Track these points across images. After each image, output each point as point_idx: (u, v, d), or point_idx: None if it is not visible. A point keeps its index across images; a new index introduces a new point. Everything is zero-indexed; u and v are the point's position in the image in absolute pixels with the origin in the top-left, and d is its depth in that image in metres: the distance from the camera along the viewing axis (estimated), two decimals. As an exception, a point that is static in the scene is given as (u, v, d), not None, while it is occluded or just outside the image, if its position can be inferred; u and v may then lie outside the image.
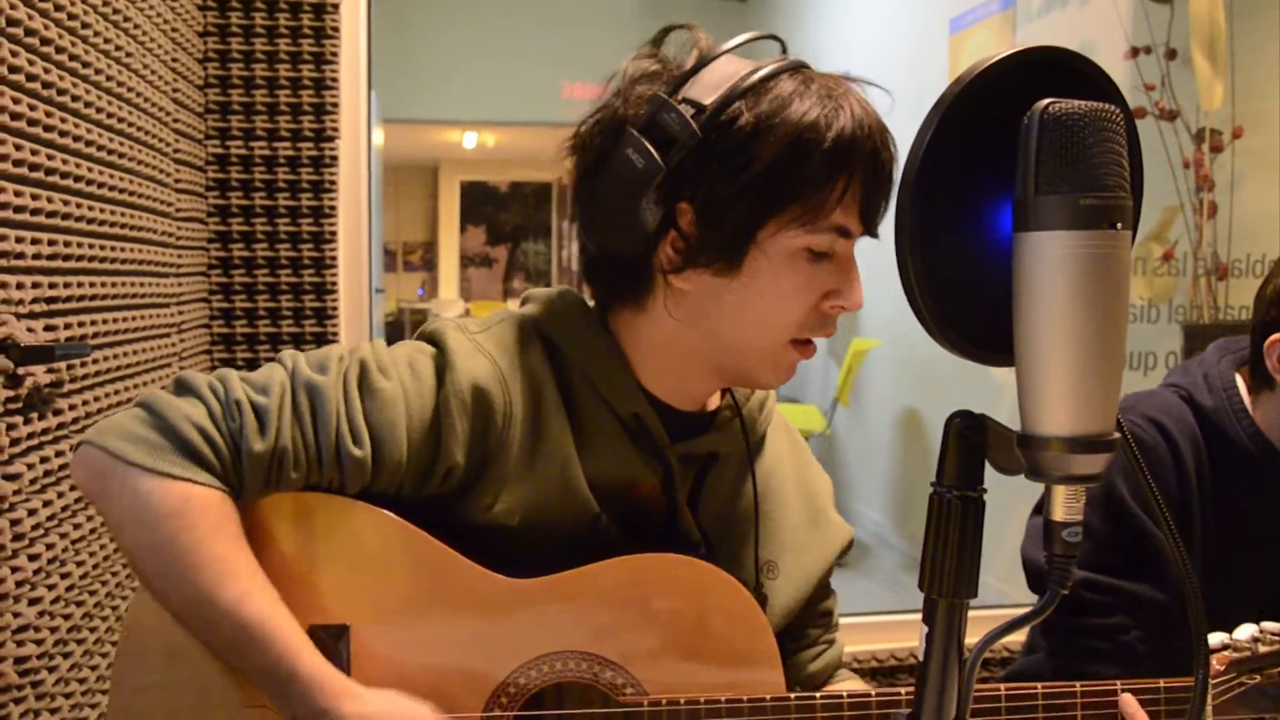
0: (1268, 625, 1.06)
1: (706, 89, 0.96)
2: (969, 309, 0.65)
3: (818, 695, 1.02)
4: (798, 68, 0.99)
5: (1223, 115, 3.19)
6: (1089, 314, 0.59)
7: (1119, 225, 0.59)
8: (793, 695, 1.02)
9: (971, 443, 0.66)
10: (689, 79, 0.97)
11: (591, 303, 1.11)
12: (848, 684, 1.23)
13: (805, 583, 1.17)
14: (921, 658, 0.68)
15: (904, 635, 2.19)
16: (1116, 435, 0.61)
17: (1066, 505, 0.63)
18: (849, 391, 5.32)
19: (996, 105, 0.62)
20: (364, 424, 0.97)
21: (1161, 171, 3.19)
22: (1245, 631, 1.05)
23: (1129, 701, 1.04)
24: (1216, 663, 1.03)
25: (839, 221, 0.97)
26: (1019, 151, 0.61)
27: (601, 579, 1.02)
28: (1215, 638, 1.05)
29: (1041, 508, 1.45)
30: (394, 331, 13.02)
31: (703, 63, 0.97)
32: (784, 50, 1.02)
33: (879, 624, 2.41)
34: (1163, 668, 1.10)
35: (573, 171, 1.04)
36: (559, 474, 1.02)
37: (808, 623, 1.21)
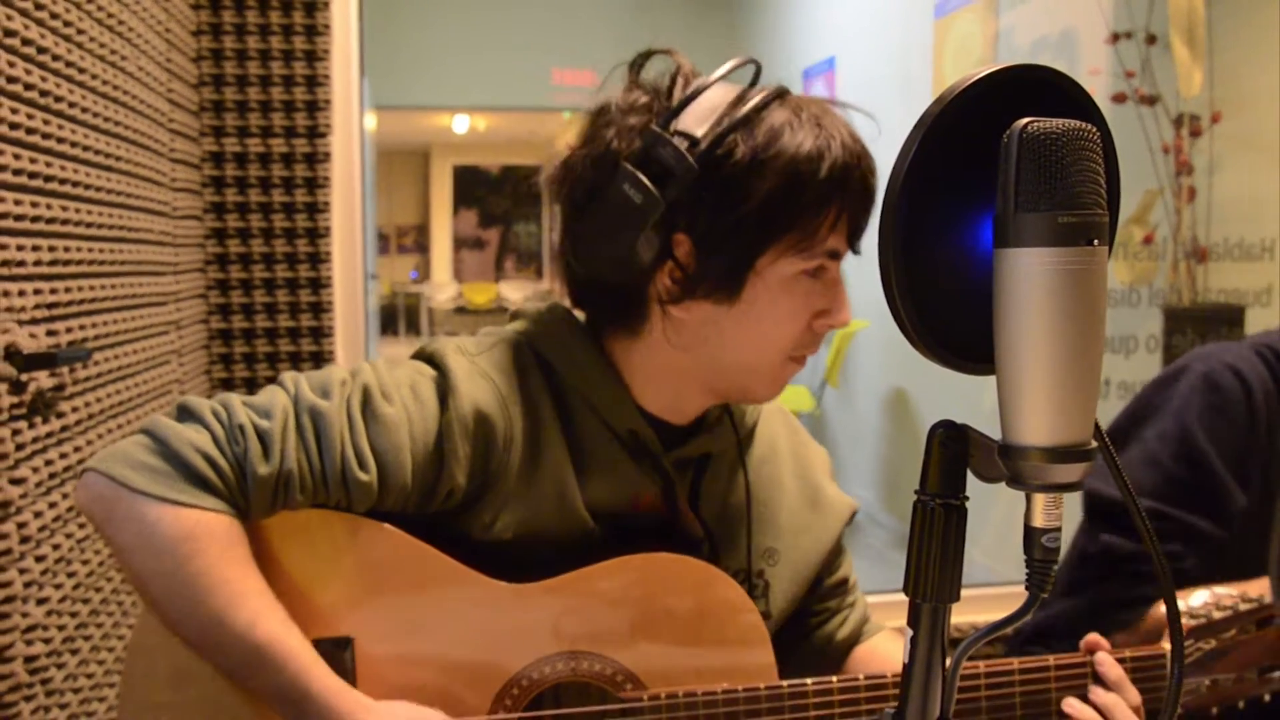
0: (1220, 590, 1.10)
1: (696, 120, 0.97)
2: (950, 320, 0.67)
3: (809, 681, 1.04)
4: (783, 94, 1.01)
5: (1202, 100, 3.21)
6: (1067, 328, 0.60)
7: (1095, 242, 0.60)
8: (785, 684, 1.04)
9: (954, 452, 0.68)
10: (680, 111, 0.97)
11: (582, 317, 1.12)
12: (882, 637, 1.25)
13: (806, 564, 1.18)
14: (905, 660, 0.70)
15: (895, 616, 2.22)
16: (1094, 445, 0.63)
17: (1046, 512, 0.65)
18: (838, 372, 5.34)
19: (979, 121, 0.64)
20: (369, 448, 0.97)
21: (1141, 156, 3.21)
22: (1199, 598, 1.09)
23: (1103, 661, 1.07)
24: None
25: (832, 245, 1.01)
26: (999, 169, 0.62)
27: (596, 579, 1.04)
28: None
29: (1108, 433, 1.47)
30: (388, 315, 13.00)
31: (693, 95, 0.98)
32: (759, 72, 1.03)
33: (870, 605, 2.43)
34: None
35: (560, 202, 1.05)
36: (556, 494, 1.04)
37: (823, 598, 1.23)
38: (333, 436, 0.96)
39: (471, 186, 14.29)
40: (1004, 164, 0.61)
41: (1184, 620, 1.07)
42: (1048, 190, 0.60)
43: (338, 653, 0.99)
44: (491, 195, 14.47)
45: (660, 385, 1.08)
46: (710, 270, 0.99)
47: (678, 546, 1.10)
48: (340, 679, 0.95)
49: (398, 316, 13.15)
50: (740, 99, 0.98)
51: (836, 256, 1.02)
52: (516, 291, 13.22)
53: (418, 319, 13.18)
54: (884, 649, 1.23)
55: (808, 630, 1.23)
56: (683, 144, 0.96)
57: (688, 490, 1.12)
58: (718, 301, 1.01)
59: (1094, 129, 0.61)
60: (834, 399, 5.72)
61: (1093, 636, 1.10)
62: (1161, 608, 1.32)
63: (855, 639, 1.24)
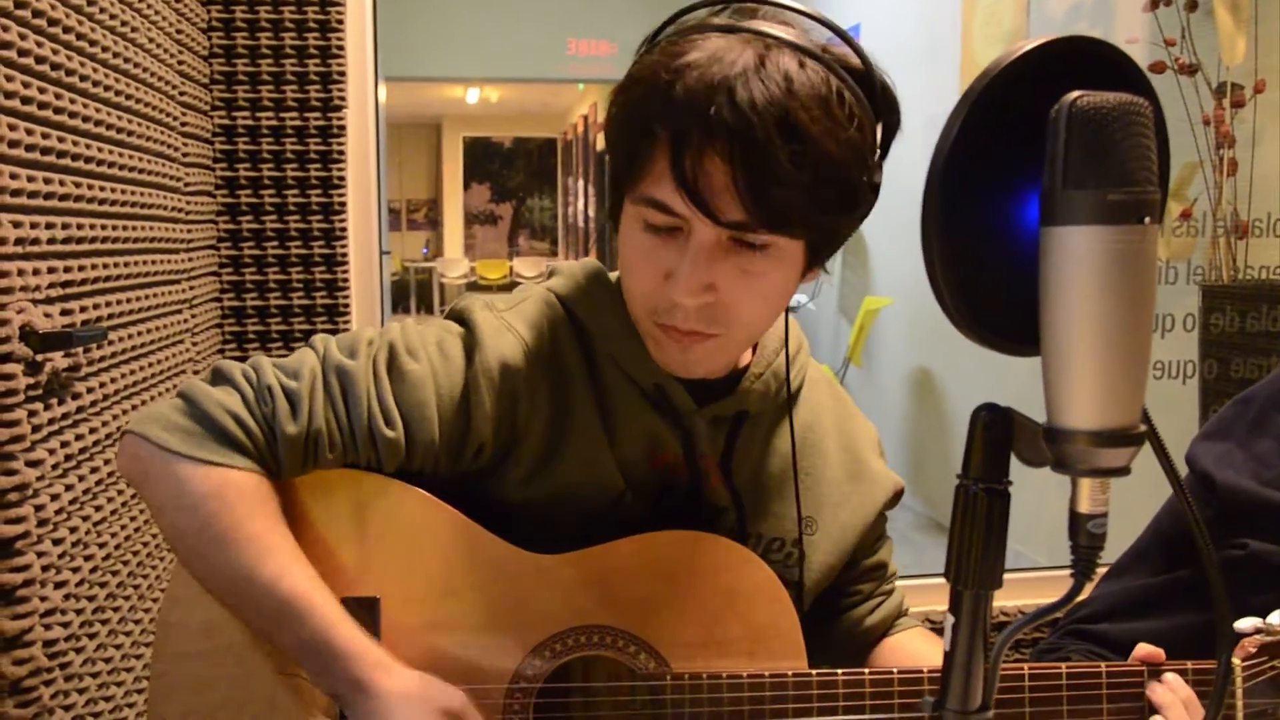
0: None
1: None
2: (994, 300, 0.66)
3: (839, 672, 1.03)
4: (744, 30, 0.89)
5: (1244, 69, 3.13)
6: (1116, 309, 0.59)
7: (1147, 220, 0.58)
8: (815, 672, 1.04)
9: (997, 436, 0.67)
10: (664, 27, 0.95)
11: (615, 274, 1.10)
12: (912, 634, 1.22)
13: (844, 538, 1.15)
14: (947, 647, 0.69)
15: (919, 599, 2.20)
16: (1143, 429, 0.61)
17: (1092, 497, 0.63)
18: (861, 350, 5.32)
19: (1024, 96, 0.62)
20: (394, 405, 0.99)
21: (1180, 128, 3.13)
22: (1278, 616, 1.05)
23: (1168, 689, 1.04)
24: (1249, 645, 1.04)
25: (648, 193, 0.90)
26: (1046, 145, 0.60)
27: (625, 555, 1.04)
28: (1247, 622, 1.04)
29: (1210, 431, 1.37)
30: (399, 292, 13.00)
31: (675, 16, 0.95)
32: (849, 40, 0.94)
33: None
34: None
35: None
36: (585, 450, 1.03)
37: (857, 579, 1.20)
38: (359, 394, 0.98)
39: (483, 160, 14.27)
40: (1051, 139, 0.59)
41: (1258, 637, 1.04)
42: (1097, 166, 0.58)
43: (365, 613, 1.00)
44: (504, 169, 14.44)
45: None
46: (610, 194, 0.99)
47: (703, 513, 1.09)
48: (365, 635, 0.96)
49: (409, 293, 13.16)
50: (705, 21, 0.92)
51: (666, 210, 0.90)
52: (530, 268, 13.20)
53: (429, 296, 13.18)
54: (912, 646, 1.20)
55: (837, 610, 1.20)
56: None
57: (720, 452, 1.10)
58: (616, 230, 0.99)
59: (1146, 103, 0.59)
60: (857, 378, 5.70)
61: (1148, 650, 1.07)
62: None
63: (884, 630, 1.22)
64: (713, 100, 0.84)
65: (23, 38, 1.14)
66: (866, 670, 1.04)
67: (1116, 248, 0.58)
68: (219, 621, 1.00)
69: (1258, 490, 1.26)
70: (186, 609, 1.01)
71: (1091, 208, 0.58)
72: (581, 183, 12.28)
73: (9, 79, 1.11)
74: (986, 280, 0.65)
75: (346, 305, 2.14)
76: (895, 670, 1.04)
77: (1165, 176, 0.64)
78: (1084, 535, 0.64)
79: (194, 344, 1.87)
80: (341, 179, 2.11)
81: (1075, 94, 0.59)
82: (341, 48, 2.09)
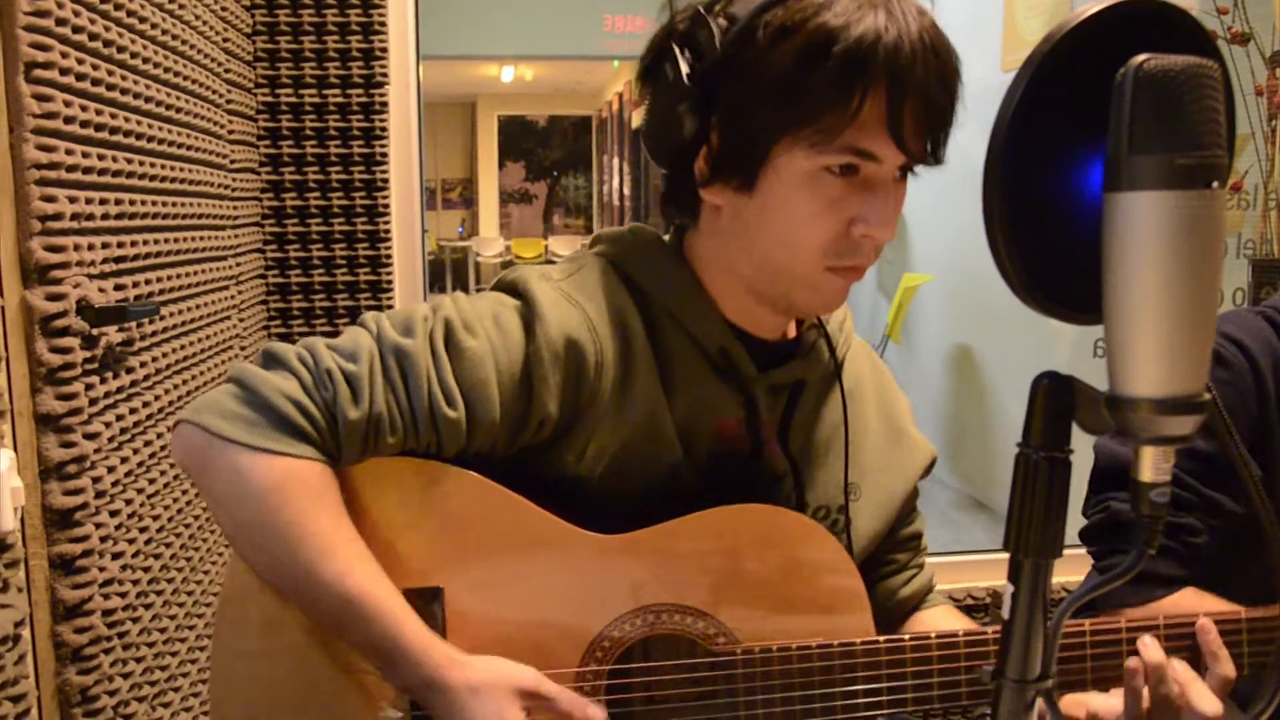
0: None
1: (747, 2, 0.93)
2: (1056, 268, 0.65)
3: (906, 637, 1.03)
4: None
5: (1300, 37, 3.07)
6: (1182, 275, 0.58)
7: (1214, 184, 0.57)
8: (882, 639, 1.03)
9: (1059, 404, 0.66)
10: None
11: (666, 236, 1.10)
12: (940, 610, 1.23)
13: (888, 503, 1.16)
14: (1006, 616, 0.69)
15: (959, 576, 2.20)
16: (1208, 396, 0.60)
17: (1155, 466, 0.63)
18: (900, 327, 5.28)
19: (1087, 60, 0.61)
20: (455, 385, 0.96)
21: (1232, 98, 3.07)
22: None
23: (1207, 629, 1.04)
24: None
25: (854, 142, 0.92)
26: (1112, 109, 0.59)
27: (690, 532, 1.03)
28: None
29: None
30: (435, 271, 13.04)
31: None
32: None
33: (933, 565, 2.41)
34: (1225, 583, 1.12)
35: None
36: (647, 418, 1.02)
37: (895, 548, 1.22)
38: (419, 375, 0.95)
39: (518, 138, 14.27)
40: (1117, 103, 0.58)
41: None
42: (1165, 130, 0.57)
43: (427, 604, 0.99)
44: (539, 147, 14.44)
45: (728, 289, 1.05)
46: (729, 155, 0.96)
47: (761, 481, 1.08)
48: (431, 631, 0.94)
49: (444, 273, 13.19)
50: None
51: (870, 158, 0.92)
52: (565, 247, 13.19)
53: (465, 275, 13.21)
54: (944, 623, 1.21)
55: (873, 580, 1.21)
56: (724, 25, 0.93)
57: (778, 420, 1.10)
58: (737, 190, 0.97)
59: (1214, 65, 0.58)
60: (896, 355, 5.67)
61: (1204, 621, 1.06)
62: (1182, 599, 1.28)
63: (916, 603, 1.23)
64: (914, 56, 0.90)
65: (76, 14, 1.16)
66: (933, 634, 1.03)
67: (1184, 213, 0.57)
68: (279, 619, 0.98)
69: (1123, 451, 1.30)
70: (243, 606, 0.99)
71: (1158, 172, 0.57)
72: (616, 160, 12.24)
73: (64, 55, 1.12)
74: (1048, 247, 0.64)
75: (389, 281, 2.15)
76: (961, 632, 1.04)
77: (1231, 140, 0.63)
78: (1146, 504, 0.63)
79: (240, 320, 1.89)
80: (384, 155, 2.12)
81: (1142, 57, 0.58)
82: (383, 24, 2.10)
